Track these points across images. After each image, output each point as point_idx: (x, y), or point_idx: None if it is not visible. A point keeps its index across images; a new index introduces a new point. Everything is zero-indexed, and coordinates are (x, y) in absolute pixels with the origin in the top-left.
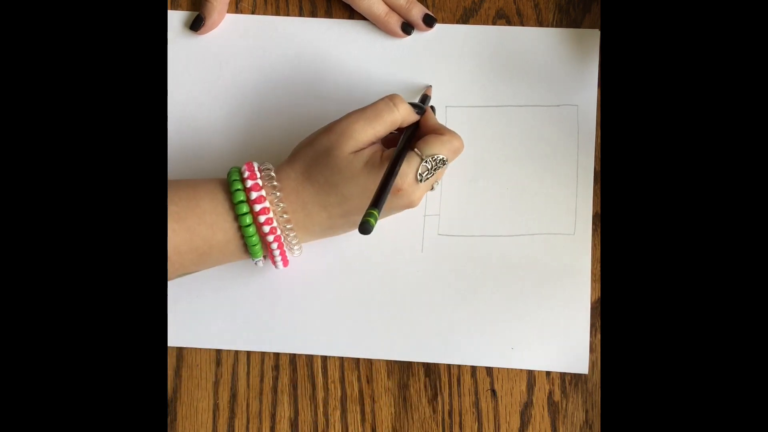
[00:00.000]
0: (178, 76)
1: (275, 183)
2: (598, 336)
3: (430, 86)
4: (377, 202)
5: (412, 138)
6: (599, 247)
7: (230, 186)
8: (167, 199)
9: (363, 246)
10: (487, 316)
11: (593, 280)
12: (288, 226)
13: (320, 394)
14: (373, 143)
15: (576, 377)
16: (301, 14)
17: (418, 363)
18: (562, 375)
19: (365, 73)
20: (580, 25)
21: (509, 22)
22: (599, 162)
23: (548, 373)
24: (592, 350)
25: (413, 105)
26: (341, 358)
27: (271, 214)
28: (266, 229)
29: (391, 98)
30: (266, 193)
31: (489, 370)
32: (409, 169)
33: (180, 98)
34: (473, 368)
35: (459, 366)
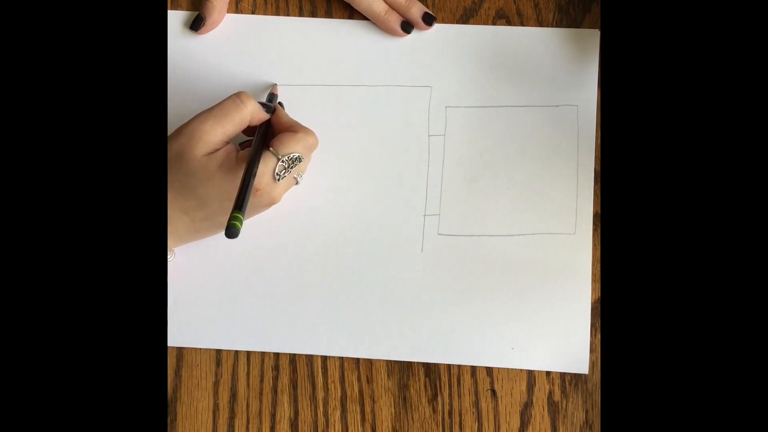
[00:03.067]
0: (178, 76)
1: None
2: (598, 336)
3: (275, 84)
4: (240, 204)
5: (266, 137)
6: (599, 247)
7: None
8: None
9: (363, 246)
10: (487, 316)
11: (593, 280)
12: None
13: (320, 394)
14: (226, 143)
15: (576, 377)
16: (301, 14)
17: (418, 363)
18: (562, 375)
19: (365, 73)
20: (580, 25)
21: (509, 22)
22: (599, 162)
23: (548, 373)
24: (592, 350)
25: (262, 104)
26: (341, 358)
27: None
28: None
29: (238, 96)
30: None
31: (489, 370)
32: (266, 168)
33: (180, 98)
34: (473, 368)
35: (459, 366)
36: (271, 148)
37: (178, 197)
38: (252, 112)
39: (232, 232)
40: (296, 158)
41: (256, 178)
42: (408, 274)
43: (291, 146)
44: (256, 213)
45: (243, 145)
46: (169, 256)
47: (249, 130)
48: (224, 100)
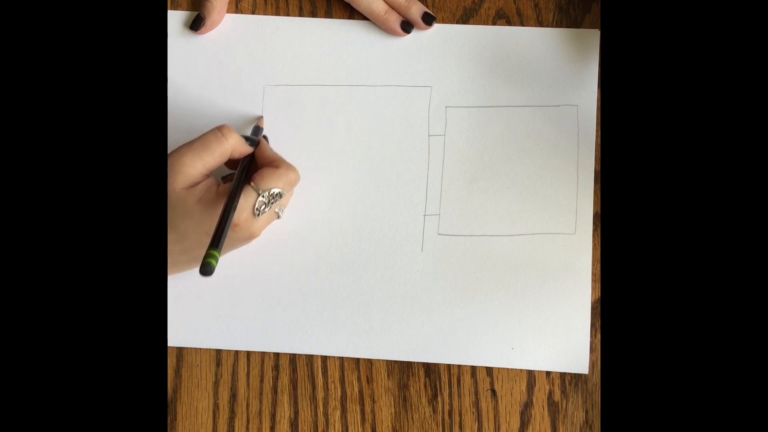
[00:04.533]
0: (178, 76)
1: None
2: (598, 336)
3: (261, 117)
4: (217, 241)
5: (248, 171)
6: (599, 247)
7: None
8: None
9: (363, 246)
10: (487, 316)
11: (593, 280)
12: None
13: (320, 394)
14: (207, 176)
15: (576, 377)
16: (301, 14)
17: (418, 363)
18: (562, 375)
19: (365, 73)
20: (580, 25)
21: (509, 22)
22: (599, 162)
23: (548, 373)
24: (592, 350)
25: (246, 138)
26: (341, 358)
27: None
28: None
29: (219, 129)
30: None
31: (489, 370)
32: (246, 203)
33: (180, 98)
34: (473, 368)
35: (459, 366)
36: (252, 183)
37: None
38: (233, 146)
39: (206, 269)
40: (277, 194)
41: (236, 212)
42: (408, 274)
43: (272, 182)
44: (235, 248)
45: (225, 179)
46: None
47: (232, 164)
48: (206, 133)
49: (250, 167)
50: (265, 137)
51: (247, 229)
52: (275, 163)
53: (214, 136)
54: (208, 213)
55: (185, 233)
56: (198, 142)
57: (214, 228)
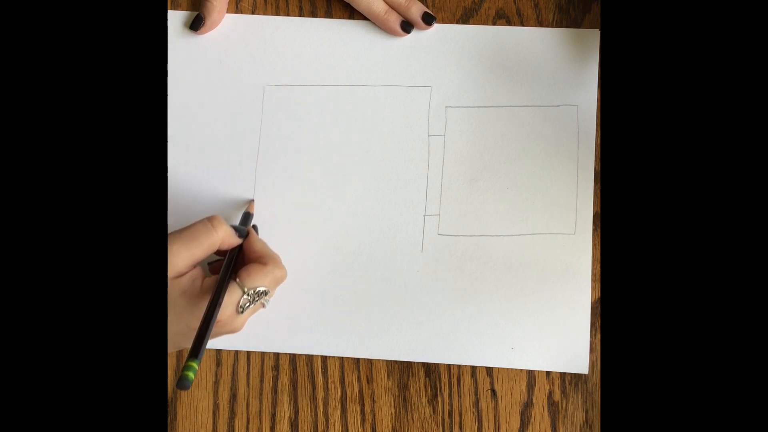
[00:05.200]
0: (178, 76)
1: None
2: (598, 336)
3: (252, 201)
4: (196, 351)
5: (234, 265)
6: (599, 247)
7: None
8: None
9: (363, 246)
10: (487, 316)
11: (593, 280)
12: None
13: (320, 394)
14: (193, 267)
15: (576, 377)
16: (301, 14)
17: (418, 363)
18: (562, 375)
19: (365, 73)
20: (580, 25)
21: (509, 22)
22: (599, 162)
23: (548, 373)
24: (592, 350)
25: (235, 228)
26: (341, 358)
27: None
28: None
29: (210, 220)
30: None
31: (489, 370)
32: (230, 300)
33: (180, 98)
34: (473, 368)
35: (459, 366)
36: (237, 280)
37: None
38: (223, 238)
39: (183, 383)
40: (262, 292)
41: (219, 309)
42: (408, 274)
43: (258, 279)
44: (213, 338)
45: (212, 266)
46: None
47: (221, 252)
48: (195, 223)
49: (237, 259)
50: (254, 227)
51: (230, 325)
52: (263, 259)
53: (203, 226)
54: (191, 308)
55: (167, 323)
56: (187, 232)
57: (195, 323)
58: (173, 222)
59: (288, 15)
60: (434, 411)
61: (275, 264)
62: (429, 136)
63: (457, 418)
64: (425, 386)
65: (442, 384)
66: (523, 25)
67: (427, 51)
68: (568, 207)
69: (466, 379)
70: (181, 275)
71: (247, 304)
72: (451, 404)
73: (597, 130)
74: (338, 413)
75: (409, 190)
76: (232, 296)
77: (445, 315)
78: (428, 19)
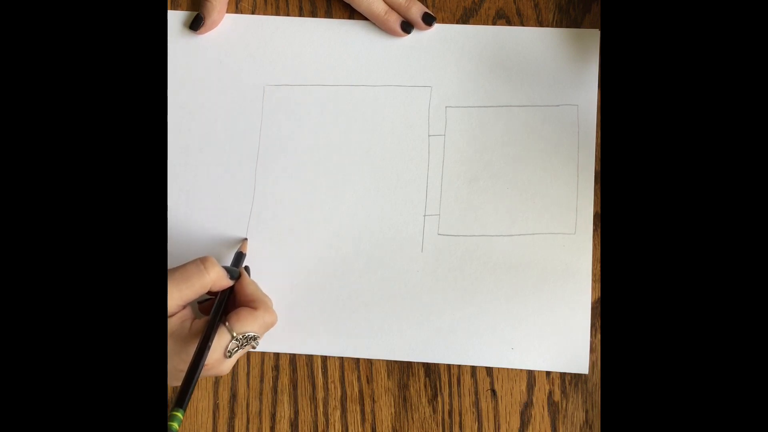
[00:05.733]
0: (178, 76)
1: None
2: (598, 336)
3: (245, 240)
4: (182, 400)
5: (224, 308)
6: (599, 247)
7: None
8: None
9: (363, 246)
10: (487, 316)
11: (593, 280)
12: None
13: (320, 394)
14: (183, 308)
15: (576, 377)
16: (301, 14)
17: (418, 363)
18: (562, 375)
19: (365, 73)
20: (580, 25)
21: (509, 22)
22: (599, 162)
23: (548, 373)
24: (592, 350)
25: (227, 269)
26: (341, 358)
27: None
28: None
29: (202, 261)
30: None
31: (489, 370)
32: (218, 344)
33: (180, 98)
34: (473, 368)
35: (459, 366)
36: (227, 324)
37: None
38: (214, 280)
39: None
40: (251, 338)
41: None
42: (408, 274)
43: (248, 325)
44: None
45: (201, 305)
46: None
47: (211, 291)
48: (188, 263)
49: (227, 303)
50: (246, 268)
51: (216, 369)
52: (254, 303)
53: (196, 268)
54: (178, 351)
55: None
56: (179, 272)
57: (182, 365)
58: (173, 222)
59: (288, 15)
60: (434, 411)
61: (266, 309)
62: (429, 136)
63: (457, 418)
64: (425, 386)
65: (442, 384)
66: (523, 25)
67: (427, 51)
68: (568, 207)
69: (466, 379)
70: (170, 315)
71: (236, 349)
72: (451, 404)
73: (597, 130)
74: (338, 413)
75: (409, 190)
76: (221, 340)
77: (445, 315)
78: (428, 20)
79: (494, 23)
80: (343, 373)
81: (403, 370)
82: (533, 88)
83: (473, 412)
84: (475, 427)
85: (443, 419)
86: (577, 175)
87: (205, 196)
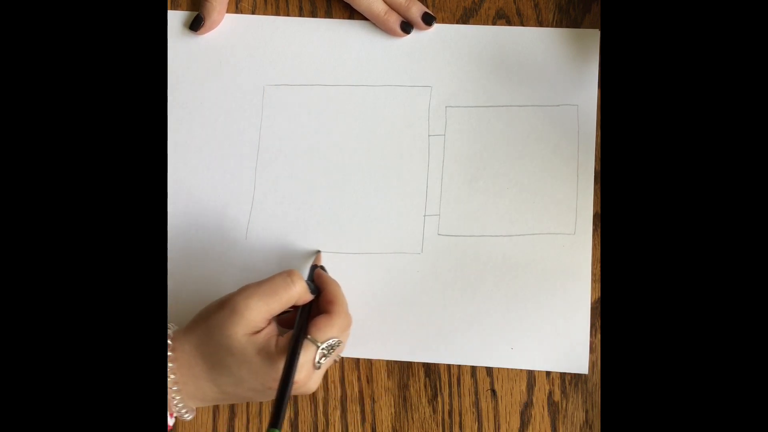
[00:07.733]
0: (178, 76)
1: (169, 353)
2: (598, 336)
3: (319, 252)
4: (276, 420)
5: (306, 323)
6: (599, 247)
7: None
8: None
9: (363, 246)
10: (487, 316)
11: (593, 280)
12: (177, 398)
13: (320, 394)
14: (269, 321)
15: (576, 377)
16: (301, 14)
17: (418, 363)
18: (562, 375)
19: (365, 73)
20: (580, 25)
21: (509, 22)
22: (599, 162)
23: (548, 373)
24: (592, 350)
25: (308, 283)
26: (341, 358)
27: None
28: None
29: (289, 275)
30: None
31: (489, 370)
32: (305, 359)
33: (180, 98)
34: (473, 368)
35: (459, 366)
36: (309, 336)
37: (213, 371)
38: (300, 294)
39: None
40: (336, 343)
41: (297, 371)
42: (408, 275)
43: (328, 331)
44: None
45: (281, 319)
46: (187, 415)
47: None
48: (275, 276)
49: (308, 319)
50: (322, 267)
51: (305, 385)
52: (329, 309)
53: (283, 281)
54: (266, 368)
55: (241, 379)
56: (267, 285)
57: (271, 382)
58: (173, 222)
59: (288, 15)
60: (434, 411)
61: (339, 312)
62: (429, 135)
63: (457, 418)
64: (425, 386)
65: (442, 384)
66: (523, 25)
67: (427, 51)
68: (568, 207)
69: (466, 379)
70: (258, 331)
71: (323, 358)
72: (451, 404)
73: (597, 130)
74: (338, 413)
75: (409, 190)
76: (307, 354)
77: (445, 315)
78: (428, 20)
79: (494, 23)
80: (343, 373)
81: (403, 370)
82: (533, 88)
83: (473, 412)
84: (475, 427)
85: (443, 419)
86: (577, 175)
87: (205, 196)
